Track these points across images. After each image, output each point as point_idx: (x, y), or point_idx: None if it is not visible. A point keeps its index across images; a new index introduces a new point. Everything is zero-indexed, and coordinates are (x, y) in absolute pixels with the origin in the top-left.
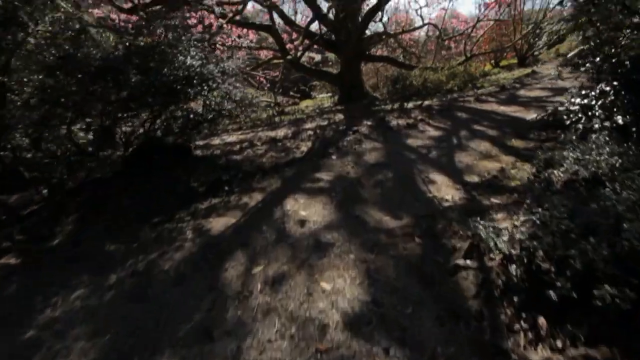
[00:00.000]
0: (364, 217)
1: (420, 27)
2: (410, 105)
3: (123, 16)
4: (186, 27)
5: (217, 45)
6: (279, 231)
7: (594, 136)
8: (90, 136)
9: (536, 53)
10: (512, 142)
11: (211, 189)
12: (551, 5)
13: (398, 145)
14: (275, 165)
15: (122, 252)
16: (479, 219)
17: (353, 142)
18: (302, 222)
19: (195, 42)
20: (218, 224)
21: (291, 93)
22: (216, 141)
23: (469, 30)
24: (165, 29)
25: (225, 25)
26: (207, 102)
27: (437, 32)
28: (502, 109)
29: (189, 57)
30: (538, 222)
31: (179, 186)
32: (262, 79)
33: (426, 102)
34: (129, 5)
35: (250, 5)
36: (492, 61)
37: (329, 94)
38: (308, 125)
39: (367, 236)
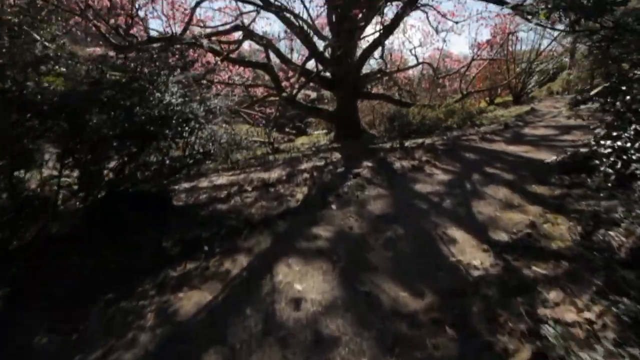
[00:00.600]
0: (375, 294)
1: (415, 65)
2: (410, 143)
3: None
4: (166, 61)
5: (214, 83)
6: (266, 317)
7: None
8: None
9: (529, 91)
10: (534, 188)
11: (188, 250)
12: (542, 46)
13: (405, 192)
14: (266, 218)
15: (53, 351)
16: (527, 302)
17: (354, 188)
18: (297, 302)
19: (179, 77)
20: (189, 303)
21: (287, 129)
22: (204, 183)
23: (463, 69)
24: (141, 62)
25: (220, 63)
26: (189, 144)
27: (432, 71)
28: (512, 148)
29: (167, 94)
30: (627, 318)
31: (148, 246)
32: (257, 115)
33: (427, 141)
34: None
35: (247, 44)
36: (487, 99)
37: (325, 131)
38: (304, 166)
39: (383, 325)
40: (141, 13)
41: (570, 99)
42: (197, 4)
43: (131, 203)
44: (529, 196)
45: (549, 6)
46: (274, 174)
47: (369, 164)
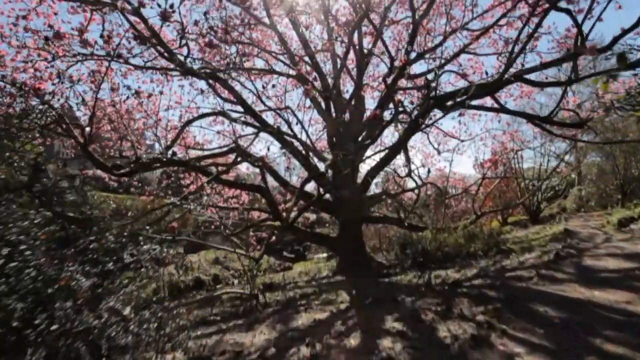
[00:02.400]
0: None
1: (420, 187)
2: (435, 278)
3: None
4: None
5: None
6: None
7: None
8: None
9: (542, 209)
10: None
11: None
12: (545, 164)
13: None
14: None
15: None
16: None
17: None
18: None
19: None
20: None
21: (285, 254)
22: None
23: (472, 188)
24: None
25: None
26: None
27: (437, 191)
28: (600, 295)
29: None
30: None
31: None
32: (253, 240)
33: (455, 275)
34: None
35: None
36: (499, 218)
37: (326, 254)
38: (300, 322)
39: None
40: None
41: (618, 219)
42: (187, 123)
43: None
44: None
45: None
46: (258, 339)
47: (398, 327)
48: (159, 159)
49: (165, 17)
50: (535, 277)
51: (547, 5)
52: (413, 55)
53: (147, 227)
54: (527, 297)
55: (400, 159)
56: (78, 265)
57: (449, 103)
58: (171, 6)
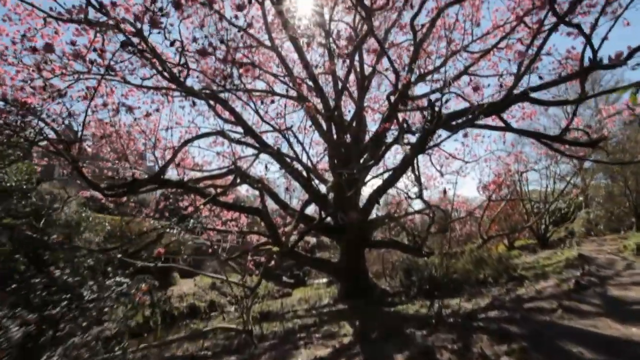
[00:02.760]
0: None
1: (424, 210)
2: (441, 306)
3: None
4: None
5: (207, 229)
6: None
7: None
8: None
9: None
10: None
11: None
12: (557, 186)
13: None
14: None
15: None
16: None
17: None
18: None
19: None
20: None
21: (284, 279)
22: None
23: (476, 211)
24: None
25: (203, 207)
26: None
27: (441, 214)
28: (638, 333)
29: None
30: None
31: None
32: (251, 265)
33: (468, 305)
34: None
35: (244, 189)
36: (506, 242)
37: (326, 280)
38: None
39: None
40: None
41: (636, 243)
42: (185, 143)
43: None
44: None
45: None
46: None
47: None
48: (153, 179)
49: (154, 23)
50: (559, 310)
51: (552, 22)
52: (414, 77)
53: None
54: (554, 334)
55: (402, 181)
56: (8, 309)
57: (456, 122)
58: (174, 42)
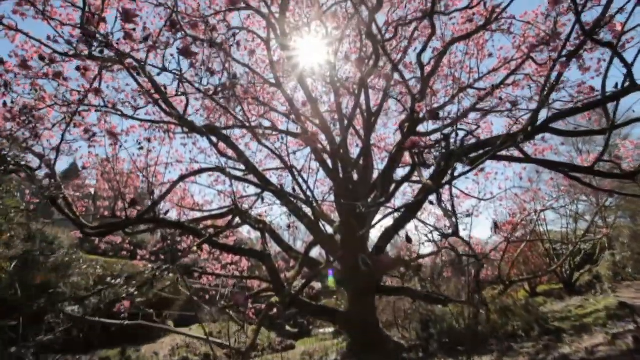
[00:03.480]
0: None
1: (436, 252)
2: None
3: None
4: None
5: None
6: None
7: None
8: None
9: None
10: None
11: None
12: (579, 225)
13: None
14: None
15: None
16: None
17: None
18: None
19: None
20: None
21: (287, 328)
22: None
23: (493, 253)
24: None
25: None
26: None
27: (456, 257)
28: None
29: None
30: None
31: None
32: (251, 313)
33: None
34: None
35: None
36: (526, 287)
37: (332, 329)
38: None
39: None
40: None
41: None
42: (182, 178)
43: None
44: None
45: None
46: None
47: None
48: (144, 216)
49: (128, 16)
50: None
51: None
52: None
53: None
54: None
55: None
56: None
57: (475, 155)
58: (180, 71)
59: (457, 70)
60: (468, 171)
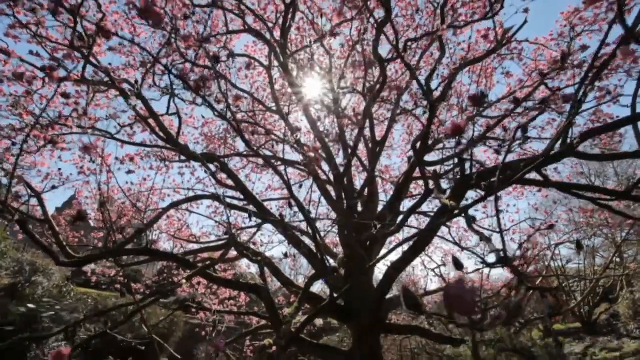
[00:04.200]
0: None
1: (444, 288)
2: None
3: None
4: None
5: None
6: None
7: None
8: None
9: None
10: None
11: None
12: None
13: None
14: None
15: None
16: None
17: None
18: None
19: None
20: None
21: None
22: None
23: (502, 290)
24: None
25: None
26: None
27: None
28: None
29: None
30: None
31: None
32: (250, 351)
33: None
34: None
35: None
36: (540, 326)
37: None
38: None
39: None
40: None
41: None
42: (173, 205)
43: None
44: None
45: None
46: None
47: None
48: (134, 250)
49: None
50: None
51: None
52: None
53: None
54: None
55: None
56: None
57: (496, 179)
58: (171, 85)
59: (464, 101)
60: (479, 200)
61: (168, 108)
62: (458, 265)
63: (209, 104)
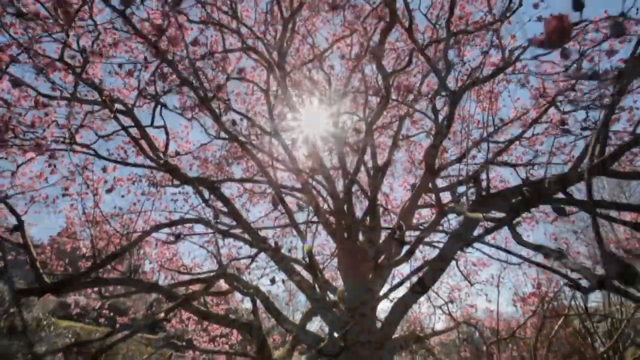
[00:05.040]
0: None
1: (454, 327)
2: None
3: None
4: None
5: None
6: None
7: None
8: None
9: None
10: None
11: None
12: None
13: None
14: None
15: None
16: None
17: None
18: None
19: None
20: None
21: None
22: None
23: (519, 331)
24: None
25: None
26: None
27: (476, 335)
28: None
29: None
30: None
31: None
32: None
33: None
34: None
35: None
36: None
37: None
38: None
39: None
40: None
41: None
42: (156, 228)
43: None
44: None
45: None
46: None
47: None
48: (107, 280)
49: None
50: None
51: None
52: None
53: None
54: None
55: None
56: None
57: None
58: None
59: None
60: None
61: (153, 118)
62: (578, 4)
63: (212, 111)
